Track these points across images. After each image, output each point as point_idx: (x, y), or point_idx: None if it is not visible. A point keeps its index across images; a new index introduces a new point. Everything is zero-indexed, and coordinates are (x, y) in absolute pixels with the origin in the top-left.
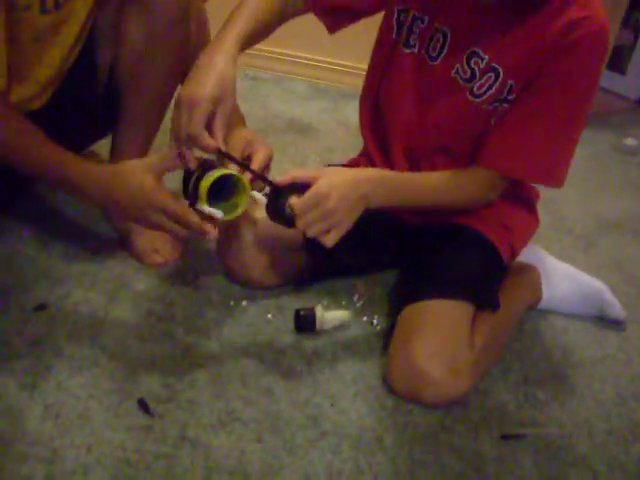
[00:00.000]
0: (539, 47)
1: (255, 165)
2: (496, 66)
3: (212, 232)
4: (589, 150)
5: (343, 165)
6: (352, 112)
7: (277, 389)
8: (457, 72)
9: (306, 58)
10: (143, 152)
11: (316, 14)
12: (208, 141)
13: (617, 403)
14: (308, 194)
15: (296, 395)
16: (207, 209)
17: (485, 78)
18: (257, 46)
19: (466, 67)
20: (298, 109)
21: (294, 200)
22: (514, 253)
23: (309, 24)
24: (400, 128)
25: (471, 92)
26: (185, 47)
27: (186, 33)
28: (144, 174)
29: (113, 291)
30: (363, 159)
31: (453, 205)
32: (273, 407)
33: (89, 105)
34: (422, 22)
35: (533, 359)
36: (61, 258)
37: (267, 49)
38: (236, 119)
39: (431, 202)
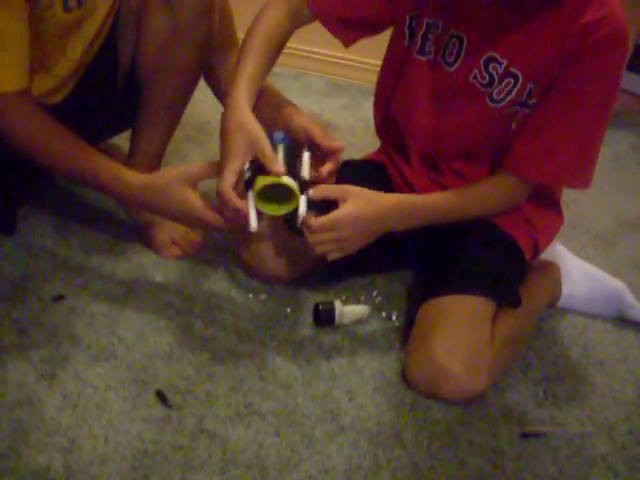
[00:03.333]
0: (558, 50)
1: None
2: (515, 71)
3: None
4: (609, 150)
5: (363, 160)
6: (371, 108)
7: (295, 383)
8: (475, 77)
9: (324, 54)
10: (163, 146)
11: (325, 25)
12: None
13: (637, 403)
14: (328, 218)
15: (314, 389)
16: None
17: (504, 83)
18: None
19: (484, 73)
20: (317, 105)
21: (311, 219)
22: (537, 251)
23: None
24: (417, 133)
25: (490, 97)
26: (208, 40)
27: (209, 26)
28: (183, 188)
29: (131, 283)
30: (383, 155)
31: (482, 215)
32: (291, 401)
33: (109, 98)
34: (437, 28)
35: (553, 357)
36: (79, 249)
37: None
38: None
39: (459, 217)
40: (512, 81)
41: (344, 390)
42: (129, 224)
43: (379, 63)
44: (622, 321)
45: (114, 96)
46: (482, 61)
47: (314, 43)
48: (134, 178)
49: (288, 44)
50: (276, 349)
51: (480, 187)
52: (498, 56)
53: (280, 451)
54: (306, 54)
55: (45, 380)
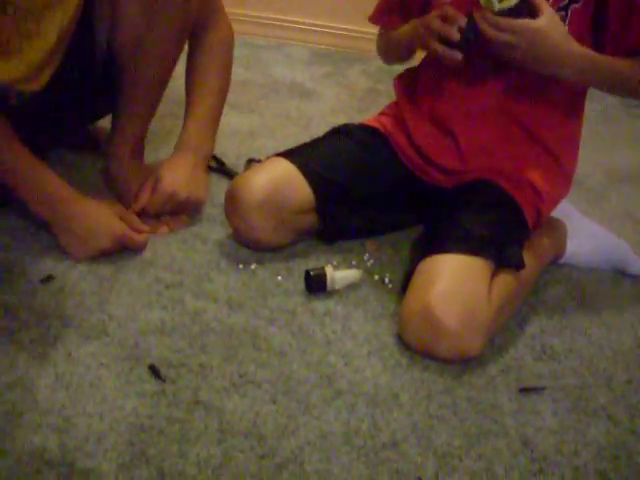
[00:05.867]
0: None
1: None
2: None
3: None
4: (597, 104)
5: (361, 125)
6: (354, 75)
7: (289, 350)
8: None
9: (305, 23)
10: (144, 127)
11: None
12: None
13: (635, 352)
14: (518, 22)
15: (309, 355)
16: None
17: None
18: (255, 14)
19: None
20: (300, 74)
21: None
22: (540, 219)
23: None
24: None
25: None
26: (186, 21)
27: (186, 6)
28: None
29: (120, 260)
30: (386, 119)
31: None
32: (286, 368)
33: (89, 83)
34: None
35: (549, 311)
36: None
37: (266, 16)
38: None
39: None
40: None
41: (339, 355)
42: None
43: (361, 29)
44: (619, 273)
45: (94, 81)
46: None
47: (295, 12)
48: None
49: (269, 15)
50: (269, 318)
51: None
52: None
53: (277, 419)
54: (288, 24)
55: (37, 361)
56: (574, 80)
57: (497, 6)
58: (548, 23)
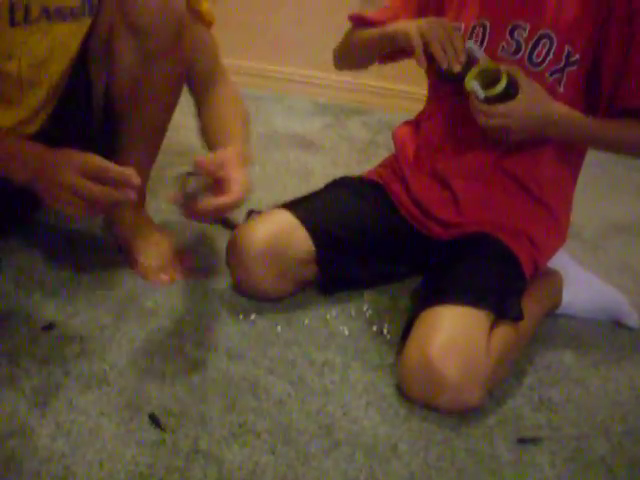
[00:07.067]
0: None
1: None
2: (546, 32)
3: (134, 180)
4: (595, 157)
5: (360, 178)
6: (355, 127)
7: (288, 400)
8: (503, 50)
9: (307, 75)
10: (144, 173)
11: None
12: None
13: (633, 403)
14: (505, 107)
15: (308, 405)
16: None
17: (541, 45)
18: (258, 65)
19: (511, 40)
20: (300, 125)
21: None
22: (537, 269)
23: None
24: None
25: (530, 60)
26: (182, 67)
27: (181, 53)
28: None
29: (121, 309)
30: (384, 172)
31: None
32: (285, 418)
33: (86, 129)
34: (459, 30)
35: (546, 362)
36: (69, 279)
37: (268, 67)
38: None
39: (606, 145)
40: (547, 42)
41: (338, 405)
42: (117, 251)
43: (361, 82)
44: (615, 323)
45: (91, 126)
46: (507, 31)
47: (297, 65)
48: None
49: (271, 67)
50: (268, 368)
51: (630, 123)
52: (522, 22)
53: (276, 469)
54: (289, 76)
55: (37, 409)
56: (562, 139)
57: (483, 94)
58: (531, 95)
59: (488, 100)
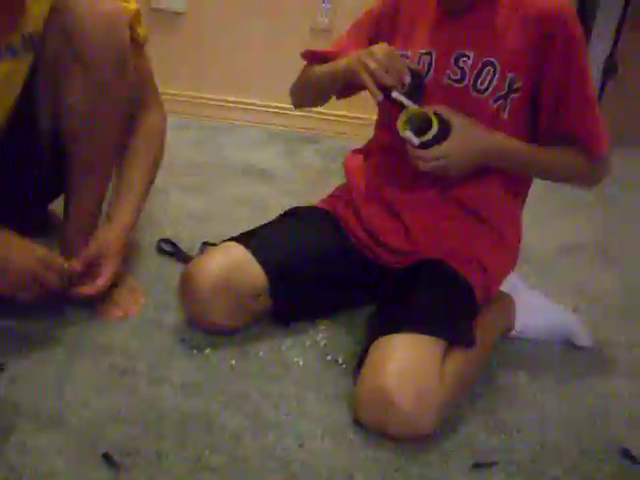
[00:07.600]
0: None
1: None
2: (489, 59)
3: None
4: None
5: (311, 208)
6: (308, 155)
7: (244, 434)
8: (448, 78)
9: (258, 105)
10: (97, 207)
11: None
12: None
13: (587, 424)
14: (439, 150)
15: (263, 438)
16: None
17: (485, 72)
18: (210, 96)
19: (456, 68)
20: (253, 155)
21: (420, 151)
22: (489, 295)
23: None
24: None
25: (474, 87)
26: (129, 94)
27: (128, 79)
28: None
29: (75, 346)
30: (336, 202)
31: (561, 178)
32: (241, 453)
33: (35, 165)
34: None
35: (500, 384)
36: (21, 316)
37: (218, 98)
38: None
39: (547, 172)
40: (491, 69)
41: (293, 437)
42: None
43: (313, 110)
44: (568, 344)
45: (40, 163)
46: (452, 60)
47: (249, 95)
48: None
49: (224, 97)
50: (223, 402)
51: (566, 150)
52: (466, 51)
53: None
54: (242, 106)
55: None
56: (503, 167)
57: (417, 141)
58: (463, 132)
59: (423, 145)
